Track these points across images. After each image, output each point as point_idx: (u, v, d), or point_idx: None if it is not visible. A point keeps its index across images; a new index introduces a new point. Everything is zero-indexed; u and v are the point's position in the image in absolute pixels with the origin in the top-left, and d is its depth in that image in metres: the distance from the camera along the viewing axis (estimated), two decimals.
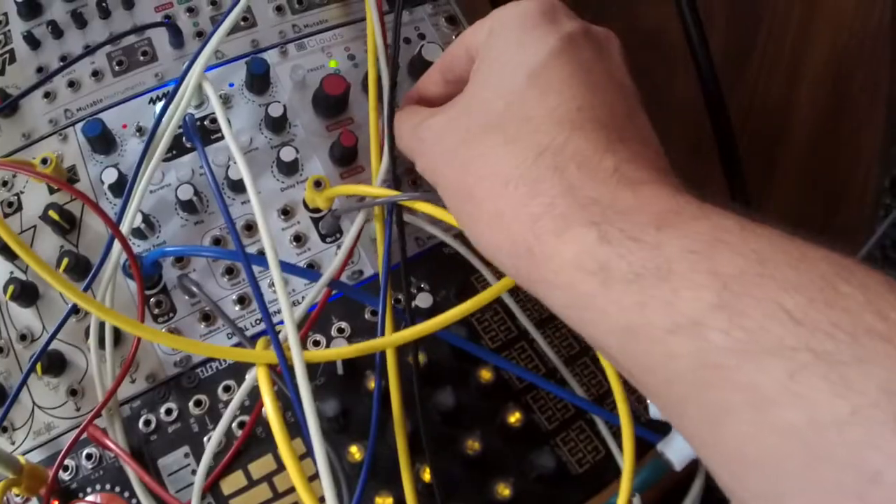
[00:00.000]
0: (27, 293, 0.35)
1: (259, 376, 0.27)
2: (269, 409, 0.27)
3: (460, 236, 0.36)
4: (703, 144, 0.43)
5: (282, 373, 0.27)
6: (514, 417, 0.33)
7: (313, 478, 0.30)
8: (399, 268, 0.33)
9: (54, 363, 0.34)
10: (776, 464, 0.15)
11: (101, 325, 0.34)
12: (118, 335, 0.35)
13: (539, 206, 0.21)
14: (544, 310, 0.37)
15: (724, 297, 0.16)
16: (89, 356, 0.34)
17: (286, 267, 0.32)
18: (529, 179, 0.22)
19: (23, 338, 0.36)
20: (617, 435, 0.34)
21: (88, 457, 0.33)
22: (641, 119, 0.25)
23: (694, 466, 0.32)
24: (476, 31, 0.27)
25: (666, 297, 0.17)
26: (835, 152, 0.54)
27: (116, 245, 0.33)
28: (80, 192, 0.33)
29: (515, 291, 0.36)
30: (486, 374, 0.34)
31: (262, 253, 0.33)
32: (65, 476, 0.33)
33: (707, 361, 0.16)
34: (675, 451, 0.29)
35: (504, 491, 0.32)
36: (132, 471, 0.31)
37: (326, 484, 0.25)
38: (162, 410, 0.33)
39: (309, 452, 0.29)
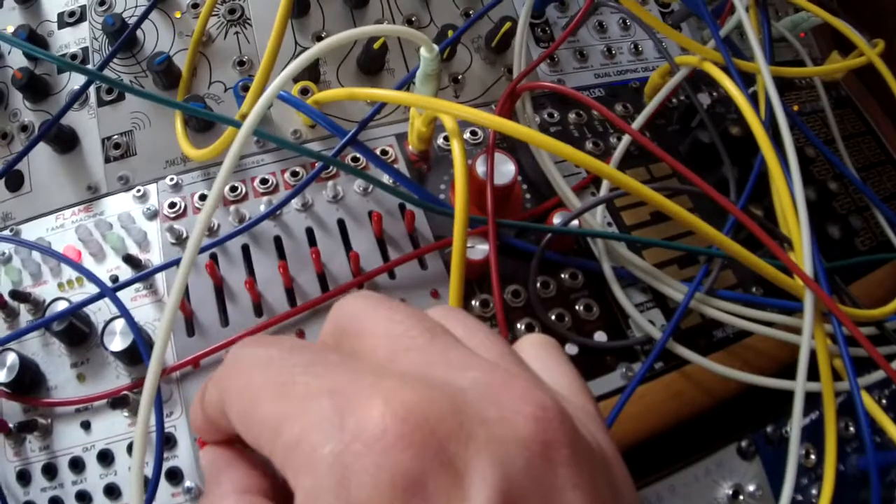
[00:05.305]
0: None
1: None
2: None
3: None
4: None
5: None
6: None
7: None
8: None
9: (449, 50, 0.37)
10: None
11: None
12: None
13: None
14: None
15: None
16: (475, 54, 0.38)
17: None
18: None
19: (410, 22, 0.38)
20: None
21: (473, 133, 0.36)
22: None
23: None
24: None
25: None
26: None
27: None
28: None
29: None
30: None
31: None
32: (443, 145, 0.36)
33: None
34: None
35: None
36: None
37: None
38: (545, 114, 0.38)
39: None
